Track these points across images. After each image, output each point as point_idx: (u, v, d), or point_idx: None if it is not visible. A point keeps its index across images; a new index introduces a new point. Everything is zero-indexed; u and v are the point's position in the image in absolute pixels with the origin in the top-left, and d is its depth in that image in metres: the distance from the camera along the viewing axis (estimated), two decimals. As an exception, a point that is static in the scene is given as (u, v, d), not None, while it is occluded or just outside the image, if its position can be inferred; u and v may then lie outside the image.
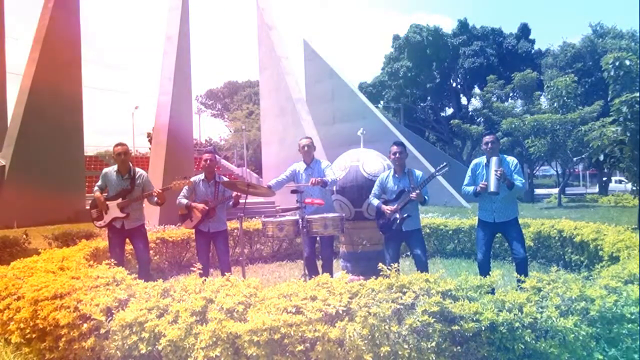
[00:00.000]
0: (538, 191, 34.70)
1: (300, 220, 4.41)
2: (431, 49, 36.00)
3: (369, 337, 2.61)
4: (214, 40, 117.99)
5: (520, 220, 4.88)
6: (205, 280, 3.26)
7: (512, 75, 25.75)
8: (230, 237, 7.22)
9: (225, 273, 3.80)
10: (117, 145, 5.10)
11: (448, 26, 73.66)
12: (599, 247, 5.45)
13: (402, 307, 2.74)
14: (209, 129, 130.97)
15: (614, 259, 4.80)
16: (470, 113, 36.89)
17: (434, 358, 2.56)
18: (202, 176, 5.26)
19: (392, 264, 3.40)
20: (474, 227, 7.35)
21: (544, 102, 24.62)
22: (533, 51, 35.93)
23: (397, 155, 4.73)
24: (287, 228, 4.47)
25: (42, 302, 3.32)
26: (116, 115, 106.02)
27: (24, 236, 8.57)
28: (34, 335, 3.30)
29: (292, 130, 18.78)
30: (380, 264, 3.34)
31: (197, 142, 47.92)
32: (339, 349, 2.59)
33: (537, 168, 30.59)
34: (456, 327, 2.64)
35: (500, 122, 22.34)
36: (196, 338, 2.76)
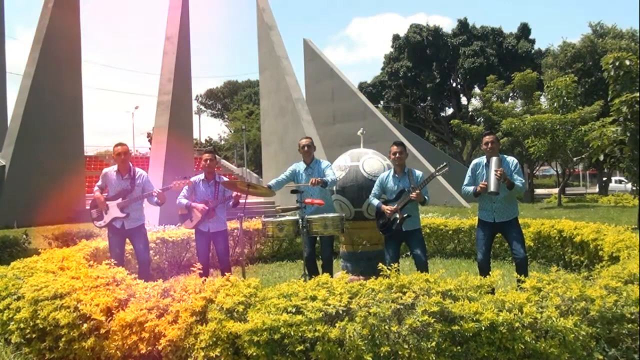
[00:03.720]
0: (538, 191, 34.69)
1: (300, 220, 4.42)
2: (431, 49, 36.02)
3: (369, 337, 2.60)
4: (214, 40, 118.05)
5: (520, 220, 4.87)
6: (205, 280, 3.26)
7: (512, 75, 25.69)
8: (230, 237, 7.22)
9: (225, 273, 3.79)
10: (117, 145, 5.09)
11: (448, 26, 73.76)
12: (599, 247, 5.45)
13: (402, 307, 2.74)
14: (209, 129, 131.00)
15: (614, 259, 4.80)
16: (470, 113, 36.85)
17: (434, 358, 2.56)
18: (202, 176, 5.26)
19: (392, 264, 3.40)
20: (474, 227, 7.35)
21: (544, 102, 24.60)
22: (533, 51, 35.90)
23: (397, 155, 4.73)
24: (287, 228, 4.48)
25: (42, 302, 3.32)
26: (116, 115, 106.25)
27: (24, 236, 8.57)
28: (34, 335, 3.29)
29: (292, 130, 18.79)
30: (380, 264, 3.34)
31: (197, 142, 47.93)
32: (339, 349, 2.59)
33: (537, 168, 30.57)
34: (456, 327, 2.64)
35: (500, 122, 22.32)
36: (196, 338, 2.76)
